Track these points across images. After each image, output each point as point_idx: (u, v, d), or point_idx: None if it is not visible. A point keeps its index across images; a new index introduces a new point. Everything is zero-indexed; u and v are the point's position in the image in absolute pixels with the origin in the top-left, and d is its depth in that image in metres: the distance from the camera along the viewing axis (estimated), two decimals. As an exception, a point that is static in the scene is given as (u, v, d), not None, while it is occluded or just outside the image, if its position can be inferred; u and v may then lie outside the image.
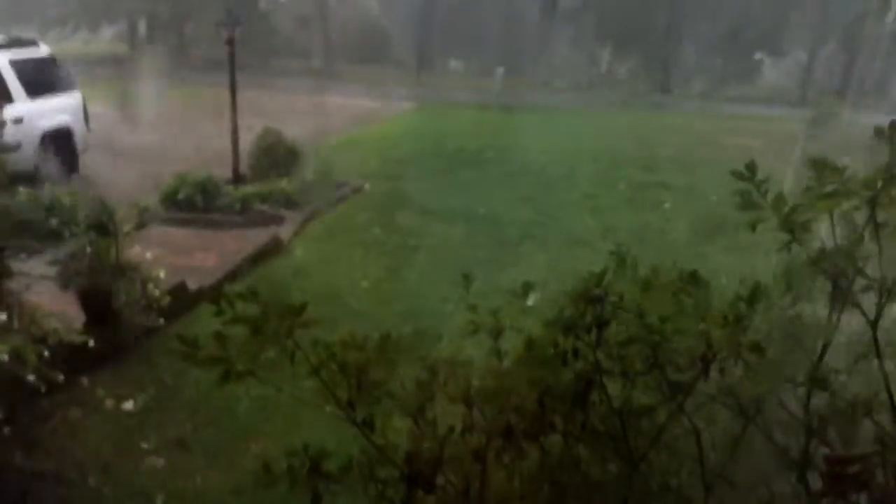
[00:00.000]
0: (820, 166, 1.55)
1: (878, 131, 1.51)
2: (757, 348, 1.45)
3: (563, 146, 15.14)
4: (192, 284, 6.24)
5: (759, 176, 1.68)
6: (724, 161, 9.67)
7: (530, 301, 2.22)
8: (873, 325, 1.56)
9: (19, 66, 9.61)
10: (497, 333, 1.98)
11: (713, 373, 1.59)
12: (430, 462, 1.67)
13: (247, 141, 10.25)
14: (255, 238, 7.82)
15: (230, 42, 9.45)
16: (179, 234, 8.02)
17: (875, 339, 1.55)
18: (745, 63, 35.75)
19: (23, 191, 7.39)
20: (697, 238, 8.30)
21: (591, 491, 1.72)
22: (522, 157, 13.57)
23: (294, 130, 11.27)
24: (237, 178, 9.74)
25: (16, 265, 4.92)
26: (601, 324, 1.64)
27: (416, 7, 37.58)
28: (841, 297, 1.59)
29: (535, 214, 9.84)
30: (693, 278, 1.57)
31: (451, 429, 1.72)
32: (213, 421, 4.55)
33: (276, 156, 10.12)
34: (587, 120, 20.92)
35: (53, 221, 7.27)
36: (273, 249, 7.70)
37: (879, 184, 1.50)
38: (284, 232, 8.25)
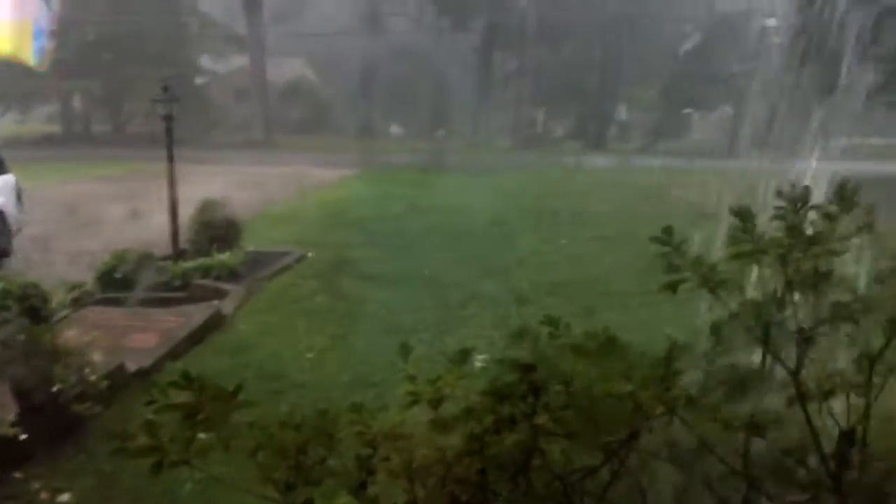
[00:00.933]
0: (742, 216, 1.62)
1: (779, 192, 1.59)
2: (690, 402, 1.48)
3: (505, 204, 15.36)
4: (132, 366, 6.06)
5: (698, 225, 1.75)
6: (660, 214, 9.93)
7: (478, 363, 2.22)
8: (794, 375, 1.61)
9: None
10: (437, 403, 1.96)
11: (657, 426, 1.62)
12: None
13: (187, 215, 10.13)
14: (196, 314, 7.66)
15: (167, 118, 9.42)
16: (117, 313, 7.81)
17: (797, 388, 1.60)
18: (676, 119, 37.11)
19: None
20: (643, 290, 8.45)
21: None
22: (465, 218, 13.71)
23: (235, 202, 11.19)
24: (177, 253, 9.59)
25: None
26: (536, 390, 1.65)
27: (354, 75, 38.19)
28: (766, 349, 1.64)
29: (480, 274, 9.88)
30: (612, 342, 1.60)
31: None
32: (154, 508, 4.37)
33: (217, 228, 10.00)
34: (528, 178, 21.32)
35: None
36: (215, 325, 7.54)
37: (787, 242, 1.57)
38: (226, 306, 8.11)
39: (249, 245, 10.30)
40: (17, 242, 10.31)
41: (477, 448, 1.68)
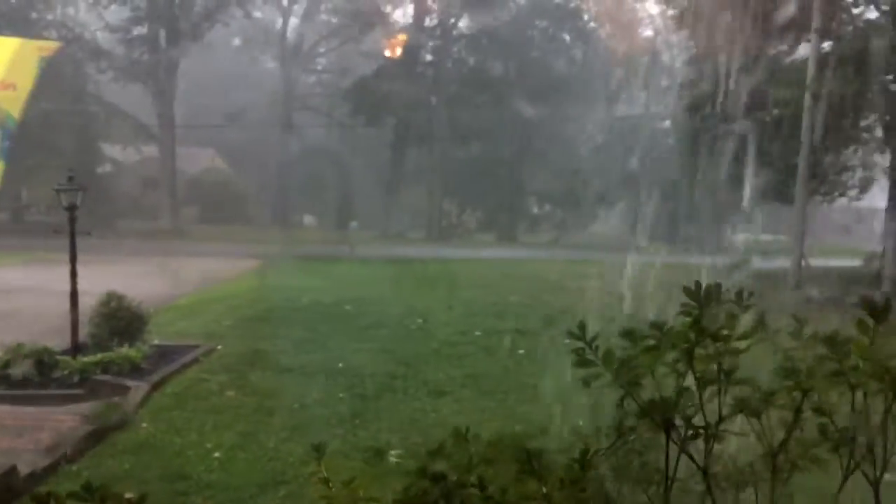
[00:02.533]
0: (652, 327, 1.72)
1: (687, 290, 1.71)
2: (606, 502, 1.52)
3: (417, 295, 15.44)
4: (25, 468, 5.68)
5: (594, 330, 1.83)
6: (569, 304, 10.20)
7: (392, 459, 2.21)
8: (703, 471, 1.69)
9: None
10: (351, 506, 1.94)
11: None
12: None
13: (89, 307, 9.75)
14: (96, 412, 7.29)
15: (71, 208, 9.17)
16: (10, 412, 7.35)
17: (707, 485, 1.67)
18: (582, 213, 38.59)
19: None
20: (556, 383, 8.58)
21: None
22: (379, 309, 13.67)
23: (140, 293, 10.84)
24: (76, 348, 9.16)
25: None
26: (448, 496, 1.66)
27: (266, 167, 38.26)
28: (674, 445, 1.72)
29: (394, 366, 9.82)
30: (522, 448, 1.65)
31: None
32: None
33: (120, 321, 9.63)
34: (440, 270, 21.57)
35: None
36: (116, 423, 7.18)
37: (693, 337, 1.68)
38: (129, 403, 7.75)
39: (154, 338, 9.95)
40: None
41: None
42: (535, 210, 41.69)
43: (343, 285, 16.60)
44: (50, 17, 32.67)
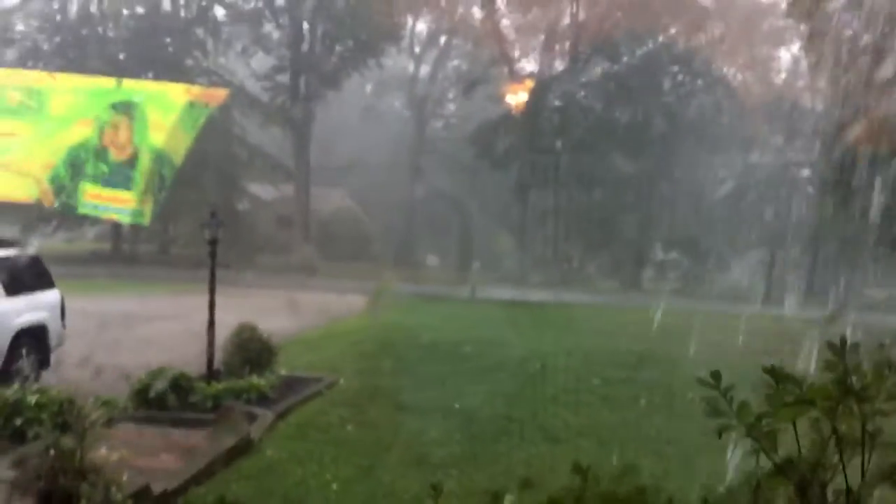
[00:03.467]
0: (780, 376, 1.63)
1: (831, 346, 1.61)
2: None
3: (538, 340, 15.28)
4: (157, 487, 6.00)
5: (725, 382, 1.75)
6: (694, 357, 9.79)
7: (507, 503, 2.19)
8: None
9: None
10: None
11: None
12: None
13: (223, 337, 10.26)
14: (225, 437, 7.62)
15: (212, 242, 9.74)
16: (147, 432, 7.81)
17: None
18: (711, 261, 37.21)
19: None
20: (678, 436, 8.25)
21: None
22: (498, 352, 13.62)
23: (270, 326, 11.33)
24: (211, 375, 9.65)
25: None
26: None
27: (394, 206, 39.32)
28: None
29: (511, 410, 9.74)
30: (641, 492, 1.60)
31: None
32: None
33: (251, 351, 10.09)
34: (560, 315, 21.30)
35: (17, 421, 7.08)
36: (243, 449, 7.49)
37: (836, 394, 1.57)
38: (255, 430, 8.06)
39: (282, 369, 10.33)
40: (57, 356, 10.48)
41: None
42: (661, 257, 40.55)
43: (463, 326, 16.70)
44: (204, 64, 35.19)
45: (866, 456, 1.60)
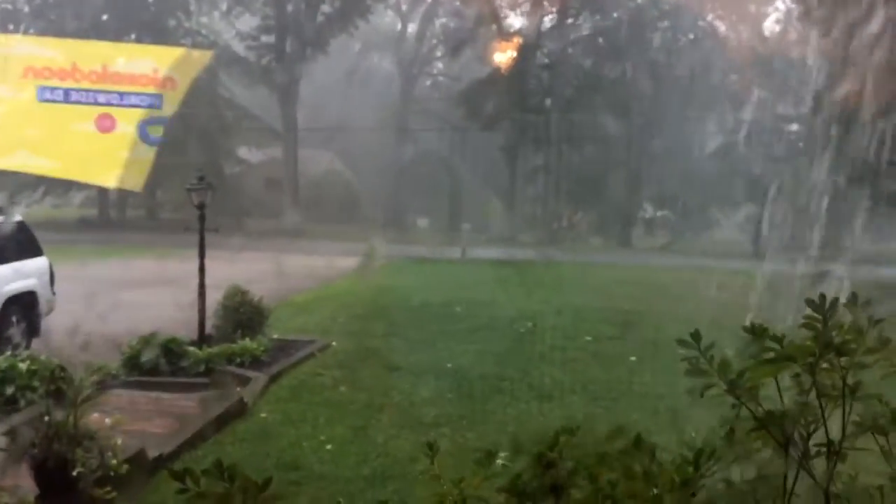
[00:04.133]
0: (760, 333, 1.65)
1: (810, 302, 1.62)
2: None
3: (528, 299, 15.35)
4: (153, 451, 6.05)
5: (712, 338, 1.77)
6: (682, 313, 9.86)
7: (499, 461, 2.21)
8: (825, 490, 1.60)
9: (-16, 233, 9.73)
10: (461, 504, 1.95)
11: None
12: None
13: (214, 301, 10.26)
14: (218, 401, 7.67)
15: (201, 206, 9.68)
16: (141, 398, 7.84)
17: (828, 503, 1.58)
18: (700, 218, 37.31)
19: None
20: (668, 391, 8.34)
21: None
22: (489, 311, 13.68)
23: (261, 289, 11.32)
24: (203, 339, 9.67)
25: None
26: (557, 488, 1.65)
27: (383, 168, 39.09)
28: (791, 460, 1.63)
29: (503, 368, 9.82)
30: (637, 443, 1.62)
31: None
32: None
33: (242, 315, 10.10)
34: (550, 273, 21.35)
35: (9, 389, 7.09)
36: (236, 412, 7.54)
37: (817, 351, 1.59)
38: (249, 393, 8.11)
39: (274, 332, 10.36)
40: (47, 323, 10.46)
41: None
42: (651, 214, 40.63)
43: (454, 286, 16.73)
44: (187, 25, 34.59)
45: (847, 408, 1.62)
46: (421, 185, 39.70)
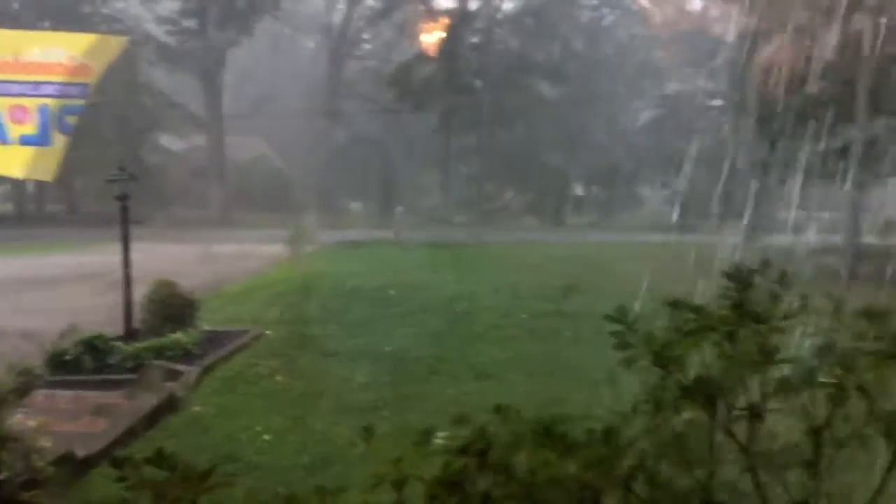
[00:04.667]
0: (682, 306, 1.69)
1: (728, 274, 1.68)
2: (643, 474, 1.50)
3: (463, 280, 15.43)
4: (81, 451, 5.84)
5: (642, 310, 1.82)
6: (615, 287, 10.07)
7: (438, 441, 2.21)
8: (745, 450, 1.65)
9: None
10: (400, 485, 1.95)
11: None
12: None
13: (141, 294, 9.97)
14: (148, 396, 7.46)
15: (122, 197, 9.37)
16: (67, 396, 7.56)
17: (751, 465, 1.64)
18: (628, 194, 38.10)
19: None
20: (604, 364, 8.48)
21: None
22: (424, 293, 13.69)
23: (190, 281, 11.06)
24: (129, 334, 9.39)
25: None
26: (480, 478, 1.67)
27: (313, 153, 38.59)
28: (716, 423, 1.68)
29: (440, 349, 9.84)
30: (547, 429, 1.64)
31: None
32: None
33: (171, 308, 9.83)
34: (485, 253, 21.51)
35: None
36: (168, 407, 7.35)
37: (734, 319, 1.65)
38: (181, 387, 7.92)
39: (205, 324, 10.13)
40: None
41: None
42: (580, 192, 41.29)
43: (388, 270, 16.68)
44: (104, 11, 33.31)
45: (765, 373, 1.68)
46: (353, 168, 39.39)
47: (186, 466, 1.73)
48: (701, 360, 1.71)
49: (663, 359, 1.67)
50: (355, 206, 40.30)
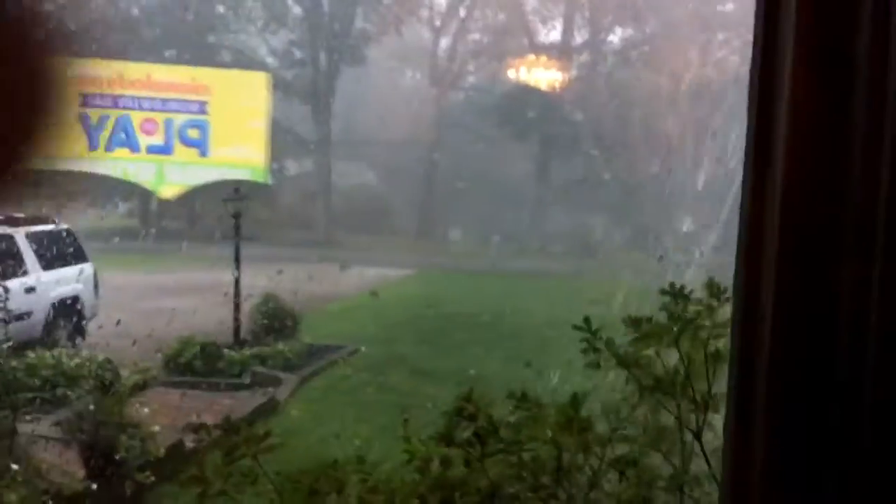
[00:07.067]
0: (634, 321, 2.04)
1: (665, 292, 2.01)
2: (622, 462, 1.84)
3: (556, 309, 15.56)
4: (190, 444, 6.45)
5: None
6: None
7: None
8: (697, 436, 1.96)
9: (34, 240, 10.30)
10: (427, 461, 2.34)
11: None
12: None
13: (250, 307, 10.70)
14: (252, 399, 8.09)
15: (236, 216, 10.16)
16: (179, 396, 8.28)
17: (702, 448, 1.94)
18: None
19: (31, 356, 7.77)
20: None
21: None
22: (517, 321, 13.92)
23: (295, 297, 11.74)
24: (238, 342, 10.13)
25: (21, 427, 5.23)
26: (479, 436, 2.03)
27: (414, 181, 39.53)
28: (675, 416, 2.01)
29: (526, 375, 10.06)
30: (524, 397, 1.99)
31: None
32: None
33: (276, 320, 10.55)
34: (580, 284, 21.50)
35: (58, 384, 7.56)
36: (269, 410, 7.95)
37: (677, 328, 1.98)
38: (281, 393, 8.52)
39: (306, 338, 10.77)
40: (92, 327, 10.99)
41: (434, 487, 2.06)
42: (687, 228, 40.33)
43: (483, 297, 16.99)
44: (226, 42, 35.43)
45: (711, 370, 1.99)
46: (454, 197, 40.02)
47: (249, 430, 2.16)
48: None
49: (626, 361, 2.01)
50: (454, 233, 40.91)
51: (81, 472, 5.29)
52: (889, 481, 0.94)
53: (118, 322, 9.09)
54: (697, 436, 1.96)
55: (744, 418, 1.03)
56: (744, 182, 1.05)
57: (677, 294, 2.00)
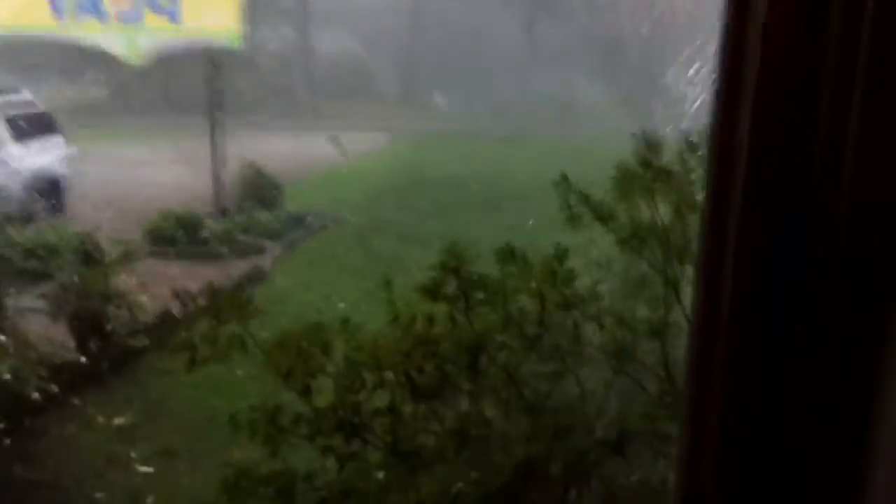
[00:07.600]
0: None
1: (636, 136, 1.97)
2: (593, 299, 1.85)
3: (545, 172, 15.48)
4: (177, 313, 6.53)
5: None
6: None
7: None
8: (675, 286, 1.98)
9: (3, 111, 9.99)
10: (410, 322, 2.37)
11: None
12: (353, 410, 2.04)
13: (231, 177, 10.58)
14: (237, 268, 8.15)
15: (210, 81, 9.86)
16: (163, 266, 8.32)
17: (678, 300, 1.96)
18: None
19: (10, 230, 7.72)
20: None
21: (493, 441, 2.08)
22: (505, 184, 13.86)
23: (276, 165, 11.60)
24: (220, 212, 10.09)
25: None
26: (465, 290, 2.04)
27: (399, 43, 38.35)
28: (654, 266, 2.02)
29: (515, 238, 10.13)
30: (510, 252, 1.99)
31: (363, 385, 2.10)
32: (197, 431, 4.85)
33: (258, 189, 10.47)
34: (569, 148, 21.28)
35: (39, 257, 7.54)
36: (254, 278, 8.02)
37: (649, 175, 1.95)
38: (265, 262, 8.58)
39: (290, 206, 10.73)
40: (70, 200, 10.86)
41: (420, 340, 2.09)
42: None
43: (470, 161, 16.85)
44: None
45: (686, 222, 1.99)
46: (439, 62, 38.95)
47: (232, 294, 2.16)
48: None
49: (601, 216, 2.00)
50: (439, 99, 40.15)
51: (71, 343, 5.38)
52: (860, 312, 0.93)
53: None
54: (675, 286, 1.97)
55: (714, 269, 1.01)
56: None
57: (648, 140, 1.96)
